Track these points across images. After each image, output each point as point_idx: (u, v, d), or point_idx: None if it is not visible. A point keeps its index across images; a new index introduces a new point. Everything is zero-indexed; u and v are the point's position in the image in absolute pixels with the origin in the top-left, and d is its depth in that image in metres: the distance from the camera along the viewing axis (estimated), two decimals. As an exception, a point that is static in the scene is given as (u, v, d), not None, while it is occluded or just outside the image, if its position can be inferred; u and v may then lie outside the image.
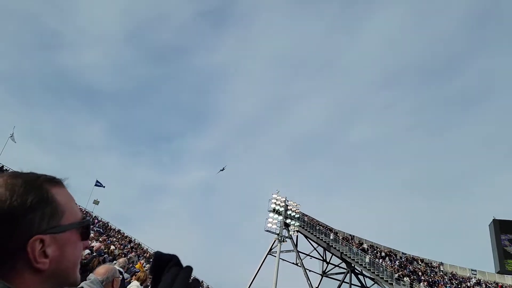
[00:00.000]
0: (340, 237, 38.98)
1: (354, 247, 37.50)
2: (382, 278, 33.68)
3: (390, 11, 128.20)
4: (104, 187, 45.67)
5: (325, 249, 38.32)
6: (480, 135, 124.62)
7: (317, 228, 38.78)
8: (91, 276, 3.10)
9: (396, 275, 33.87)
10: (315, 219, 40.72)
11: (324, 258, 39.31)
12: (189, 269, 0.68)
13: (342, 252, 36.38)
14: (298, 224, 37.77)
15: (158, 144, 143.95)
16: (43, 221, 0.73)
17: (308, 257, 39.06)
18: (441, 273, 39.80)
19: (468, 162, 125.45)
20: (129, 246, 28.95)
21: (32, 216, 0.72)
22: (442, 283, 36.43)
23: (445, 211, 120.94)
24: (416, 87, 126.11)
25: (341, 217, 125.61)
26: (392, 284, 32.97)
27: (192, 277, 0.67)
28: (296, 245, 38.27)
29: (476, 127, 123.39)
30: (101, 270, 3.12)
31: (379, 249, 41.16)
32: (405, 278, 33.84)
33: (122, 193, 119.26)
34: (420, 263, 41.04)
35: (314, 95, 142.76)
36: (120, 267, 6.89)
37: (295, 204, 38.61)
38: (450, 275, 39.62)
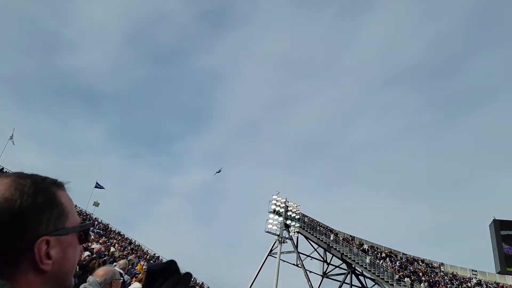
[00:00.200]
0: (341, 238, 38.97)
1: (354, 248, 37.49)
2: (383, 279, 33.66)
3: (390, 11, 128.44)
4: (103, 188, 45.70)
5: (325, 250, 38.31)
6: (480, 135, 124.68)
7: (318, 229, 38.77)
8: (90, 278, 3.09)
9: (397, 276, 33.85)
10: (315, 220, 40.72)
11: (325, 259, 39.29)
12: (189, 276, 0.70)
13: (343, 253, 36.36)
14: (298, 225, 37.77)
15: (158, 146, 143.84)
16: (50, 222, 0.74)
17: (309, 258, 39.07)
18: (442, 273, 39.78)
19: (469, 162, 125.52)
20: (129, 248, 28.94)
21: (41, 217, 0.73)
22: (442, 284, 36.41)
23: (446, 211, 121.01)
24: (416, 87, 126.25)
25: (342, 218, 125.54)
26: (392, 285, 32.95)
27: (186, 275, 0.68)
28: (296, 246, 38.26)
29: (476, 127, 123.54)
30: (100, 272, 3.11)
31: (380, 249, 41.15)
32: (405, 278, 33.83)
33: (122, 195, 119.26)
34: (420, 263, 41.02)
35: (314, 96, 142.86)
36: (121, 269, 6.89)
37: (295, 205, 38.61)
38: (451, 276, 39.61)
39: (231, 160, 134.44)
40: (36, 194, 0.74)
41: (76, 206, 36.81)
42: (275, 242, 37.26)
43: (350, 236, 41.95)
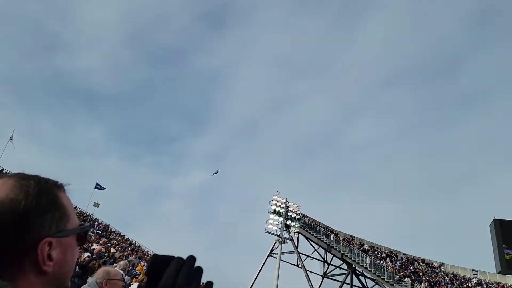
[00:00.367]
0: (341, 238, 38.96)
1: (355, 248, 37.48)
2: (383, 279, 33.65)
3: (391, 10, 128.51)
4: (104, 188, 45.70)
5: (326, 250, 38.29)
6: (481, 135, 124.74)
7: (318, 229, 38.76)
8: (90, 279, 3.08)
9: (397, 276, 33.83)
10: (315, 220, 40.70)
11: (325, 259, 39.27)
12: (193, 258, 0.70)
13: (343, 253, 36.35)
14: (298, 225, 37.75)
15: (158, 146, 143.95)
16: (53, 224, 0.74)
17: (309, 258, 39.06)
18: (442, 273, 39.76)
19: (469, 162, 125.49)
20: (129, 249, 28.93)
21: (44, 218, 0.73)
22: (443, 284, 36.40)
23: (446, 211, 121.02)
24: (416, 87, 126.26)
25: (342, 218, 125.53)
26: (393, 285, 32.93)
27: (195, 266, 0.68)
28: (297, 247, 38.24)
29: (476, 127, 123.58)
30: (97, 272, 3.11)
31: (380, 250, 41.14)
32: (406, 278, 33.82)
33: (122, 196, 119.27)
34: (421, 263, 41.00)
35: (315, 96, 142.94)
36: (121, 269, 6.88)
37: (296, 206, 38.60)
38: (451, 276, 39.59)
39: (231, 160, 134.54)
40: (40, 196, 0.74)
41: (76, 207, 36.83)
42: (276, 242, 37.25)
43: (351, 236, 41.94)
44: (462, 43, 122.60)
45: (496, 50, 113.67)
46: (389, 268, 35.33)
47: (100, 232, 30.98)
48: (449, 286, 36.46)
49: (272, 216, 37.37)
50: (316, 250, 39.01)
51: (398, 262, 38.60)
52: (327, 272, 39.11)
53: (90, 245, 14.92)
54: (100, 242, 19.74)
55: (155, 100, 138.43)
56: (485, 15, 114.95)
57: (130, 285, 7.24)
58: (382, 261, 37.15)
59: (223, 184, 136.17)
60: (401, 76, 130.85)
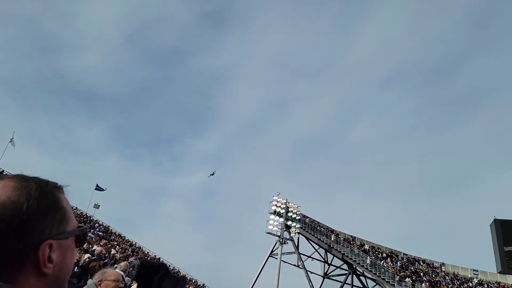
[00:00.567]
0: (341, 239, 38.94)
1: (355, 248, 37.45)
2: (384, 279, 33.62)
3: (391, 11, 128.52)
4: (105, 190, 45.63)
5: (326, 251, 38.26)
6: (480, 134, 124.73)
7: (318, 229, 38.74)
8: (89, 281, 3.11)
9: (397, 277, 33.80)
10: (316, 221, 40.68)
11: (326, 259, 39.24)
12: (184, 280, 0.72)
13: (344, 254, 36.33)
14: (299, 226, 37.73)
15: (159, 147, 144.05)
16: (53, 226, 0.75)
17: (310, 259, 39.03)
18: (443, 273, 39.73)
19: (469, 162, 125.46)
20: (130, 250, 28.93)
21: (46, 220, 0.74)
22: (444, 284, 36.36)
23: (446, 211, 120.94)
24: (416, 88, 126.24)
25: (342, 218, 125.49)
26: (394, 285, 32.90)
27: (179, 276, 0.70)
28: (297, 247, 38.22)
29: (477, 126, 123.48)
30: (96, 273, 3.14)
31: (381, 250, 41.11)
32: (406, 279, 33.78)
33: (123, 197, 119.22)
34: (421, 263, 40.97)
35: (315, 96, 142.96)
36: (122, 271, 6.89)
37: (296, 206, 38.59)
38: (452, 276, 39.55)
39: (231, 161, 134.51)
40: (41, 198, 0.75)
41: (76, 208, 36.81)
42: (276, 243, 37.23)
43: (351, 236, 41.91)
44: (462, 43, 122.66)
45: (496, 50, 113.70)
46: (389, 268, 35.30)
47: (100, 233, 30.95)
48: (450, 286, 36.42)
49: (272, 216, 37.37)
50: (316, 250, 38.99)
51: (398, 262, 38.57)
52: (327, 272, 39.08)
53: (90, 246, 14.92)
54: (101, 243, 19.72)
55: (156, 100, 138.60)
56: (485, 15, 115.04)
57: (130, 286, 7.24)
58: (382, 261, 37.12)
59: (224, 184, 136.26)
60: (401, 76, 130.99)
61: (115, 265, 10.89)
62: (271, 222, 37.27)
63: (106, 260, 12.61)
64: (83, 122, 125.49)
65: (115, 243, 28.42)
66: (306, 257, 38.63)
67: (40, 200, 0.74)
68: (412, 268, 38.03)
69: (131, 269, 13.11)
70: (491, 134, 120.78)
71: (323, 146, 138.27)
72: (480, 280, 39.46)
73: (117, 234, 37.60)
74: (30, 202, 0.72)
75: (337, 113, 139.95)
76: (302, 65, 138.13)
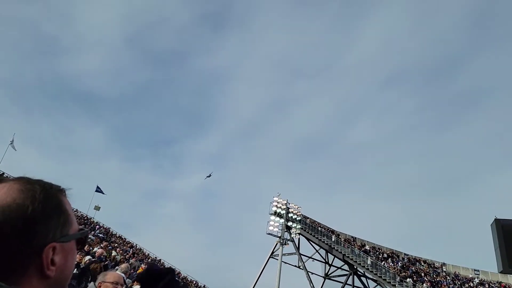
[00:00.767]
0: (342, 239, 38.91)
1: (356, 248, 37.43)
2: (385, 279, 33.59)
3: (391, 11, 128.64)
4: (104, 194, 45.62)
5: (327, 251, 38.25)
6: (481, 134, 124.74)
7: (319, 230, 38.73)
8: (91, 284, 3.14)
9: (398, 277, 33.77)
10: (316, 221, 40.68)
11: (327, 260, 39.22)
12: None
13: (344, 254, 36.31)
14: (299, 226, 37.73)
15: (159, 148, 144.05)
16: (57, 229, 0.75)
17: (311, 259, 39.01)
18: (444, 273, 39.69)
19: (470, 162, 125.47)
20: (130, 252, 28.93)
21: (50, 223, 0.74)
22: (445, 284, 36.32)
23: (447, 211, 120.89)
24: (417, 87, 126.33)
25: (343, 219, 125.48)
26: (394, 285, 32.87)
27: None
28: (298, 248, 38.20)
29: (477, 126, 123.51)
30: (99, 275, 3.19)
31: (381, 250, 41.09)
32: (407, 279, 33.75)
33: (123, 198, 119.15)
34: (422, 263, 40.94)
35: (315, 96, 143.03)
36: (122, 272, 6.89)
37: (297, 207, 38.60)
38: (453, 276, 39.51)
39: (231, 161, 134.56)
40: (46, 201, 0.75)
41: (77, 210, 36.80)
42: (277, 244, 37.23)
43: (352, 237, 41.90)
44: (462, 43, 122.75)
45: (496, 49, 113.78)
46: (390, 268, 35.28)
47: (101, 235, 30.95)
48: (451, 286, 36.38)
49: (273, 217, 37.38)
50: (317, 251, 38.98)
51: (399, 263, 38.55)
52: (328, 273, 39.05)
53: (91, 248, 14.92)
54: (101, 245, 19.71)
55: (155, 101, 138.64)
56: (485, 14, 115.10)
57: (131, 288, 7.23)
58: (383, 261, 37.11)
59: (224, 185, 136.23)
60: (401, 76, 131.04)
61: (116, 267, 10.89)
62: (271, 223, 37.27)
63: (106, 262, 12.60)
64: (83, 123, 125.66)
65: (116, 245, 28.41)
66: (307, 257, 38.63)
67: (45, 203, 0.74)
68: (413, 268, 37.99)
69: (131, 271, 13.12)
70: (491, 134, 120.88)
71: (323, 146, 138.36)
72: (481, 280, 39.40)
73: (117, 236, 37.62)
74: (35, 205, 0.72)
75: (337, 113, 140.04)
76: (302, 65, 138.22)
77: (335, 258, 37.74)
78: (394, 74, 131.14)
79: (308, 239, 38.49)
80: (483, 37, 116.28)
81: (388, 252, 41.00)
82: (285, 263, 37.01)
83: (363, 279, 37.37)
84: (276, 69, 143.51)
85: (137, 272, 15.32)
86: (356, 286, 37.07)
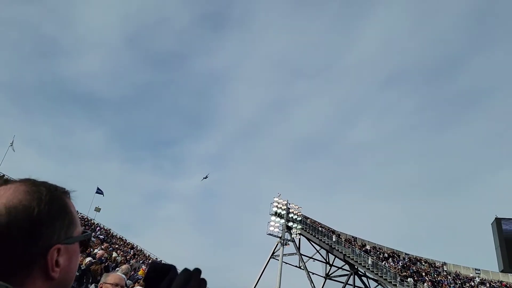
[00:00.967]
0: (343, 239, 38.90)
1: (356, 248, 37.42)
2: (386, 279, 33.58)
3: (391, 10, 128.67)
4: (103, 195, 45.65)
5: (327, 252, 38.23)
6: (482, 133, 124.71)
7: (319, 230, 38.71)
8: (92, 286, 3.16)
9: (399, 277, 33.76)
10: (317, 222, 40.66)
11: (327, 260, 39.20)
12: (199, 271, 0.73)
13: (345, 254, 36.29)
14: (300, 227, 37.72)
15: (159, 149, 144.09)
16: (62, 231, 0.76)
17: (311, 259, 39.00)
18: (445, 273, 39.68)
19: (470, 161, 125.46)
20: (131, 253, 28.91)
21: (55, 225, 0.75)
22: (446, 283, 36.30)
23: (447, 211, 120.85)
24: (417, 87, 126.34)
25: (343, 219, 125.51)
26: (395, 285, 32.86)
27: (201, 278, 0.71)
28: (298, 248, 38.19)
29: (477, 126, 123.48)
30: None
31: (382, 250, 41.07)
32: (408, 279, 33.74)
33: (124, 200, 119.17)
34: (423, 263, 40.92)
35: (315, 96, 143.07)
36: (123, 273, 6.89)
37: (297, 207, 38.58)
38: (454, 275, 39.49)
39: (232, 162, 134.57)
40: (51, 203, 0.76)
41: (77, 212, 36.78)
42: (277, 244, 37.22)
43: (352, 237, 41.89)
44: (461, 43, 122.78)
45: (496, 49, 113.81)
46: (391, 268, 35.27)
47: (101, 236, 30.93)
48: (451, 285, 36.36)
49: (273, 218, 37.38)
50: (318, 251, 38.97)
51: (400, 262, 38.53)
52: (329, 273, 39.03)
53: (92, 249, 14.91)
54: (102, 246, 19.69)
55: (156, 102, 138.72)
56: (484, 14, 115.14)
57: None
58: (384, 261, 37.09)
59: (224, 186, 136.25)
60: (401, 76, 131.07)
61: (117, 268, 10.89)
62: (272, 223, 37.27)
63: (107, 264, 12.60)
64: (83, 125, 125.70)
65: (117, 246, 28.39)
66: (308, 258, 38.63)
67: (51, 205, 0.75)
68: (413, 268, 37.98)
69: (132, 272, 13.11)
70: (491, 133, 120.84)
71: (323, 146, 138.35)
72: (482, 279, 39.38)
73: (118, 237, 37.60)
74: (41, 206, 0.73)
75: (337, 113, 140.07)
76: (302, 65, 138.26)
77: (336, 258, 37.73)
78: (394, 74, 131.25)
79: (308, 239, 38.47)
80: (483, 37, 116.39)
81: (388, 252, 40.99)
82: (286, 263, 37.04)
83: (364, 279, 37.35)
84: (276, 69, 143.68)
85: (138, 273, 15.32)
86: (357, 286, 37.05)
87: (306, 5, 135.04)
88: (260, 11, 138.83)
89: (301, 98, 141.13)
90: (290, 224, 37.58)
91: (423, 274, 37.10)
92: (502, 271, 40.54)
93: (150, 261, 33.46)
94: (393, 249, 41.99)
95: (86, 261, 10.30)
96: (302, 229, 37.86)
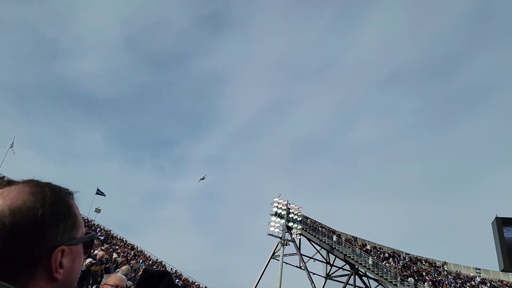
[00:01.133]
0: (343, 239, 38.89)
1: (357, 248, 37.41)
2: (386, 279, 33.57)
3: (390, 10, 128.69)
4: (104, 196, 45.64)
5: (328, 252, 38.22)
6: (482, 132, 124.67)
7: (320, 230, 38.70)
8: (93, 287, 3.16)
9: (399, 277, 33.75)
10: (317, 222, 40.66)
11: (328, 260, 39.19)
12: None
13: (346, 254, 36.28)
14: (300, 227, 37.70)
15: (159, 150, 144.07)
16: (66, 232, 0.76)
17: (312, 260, 38.99)
18: (445, 272, 39.66)
19: (470, 160, 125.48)
20: (132, 254, 28.91)
21: (59, 226, 0.75)
22: (446, 283, 36.29)
23: (448, 210, 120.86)
24: (417, 87, 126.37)
25: (344, 219, 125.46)
26: (396, 285, 32.85)
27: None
28: (299, 248, 38.18)
29: (477, 125, 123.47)
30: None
31: (382, 250, 41.06)
32: (409, 278, 33.73)
33: (124, 201, 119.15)
34: (423, 263, 40.91)
35: (315, 96, 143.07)
36: (123, 274, 6.89)
37: (297, 207, 38.57)
38: (455, 275, 39.47)
39: (232, 163, 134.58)
40: (55, 204, 0.76)
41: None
42: (278, 244, 37.21)
43: (353, 237, 41.87)
44: (461, 42, 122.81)
45: (496, 48, 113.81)
46: (392, 268, 35.26)
47: (102, 237, 30.92)
48: (452, 285, 36.35)
49: (273, 218, 37.37)
50: (318, 251, 38.95)
51: (400, 262, 38.52)
52: (330, 273, 39.02)
53: (92, 250, 14.91)
54: (102, 247, 19.68)
55: (156, 103, 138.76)
56: (484, 13, 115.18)
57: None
58: (384, 261, 37.08)
59: (224, 186, 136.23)
60: (401, 76, 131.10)
61: (117, 269, 10.89)
62: (272, 223, 37.26)
63: (108, 265, 12.60)
64: (83, 126, 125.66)
65: (117, 247, 28.39)
66: (308, 258, 38.62)
67: (55, 206, 0.75)
68: (414, 267, 37.98)
69: (133, 274, 13.09)
70: (492, 132, 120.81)
71: (323, 146, 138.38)
72: (482, 278, 39.38)
73: (118, 238, 37.59)
74: (45, 208, 0.73)
75: (337, 113, 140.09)
76: (302, 65, 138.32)
77: (336, 258, 37.72)
78: (394, 74, 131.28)
79: (309, 240, 38.46)
80: (482, 36, 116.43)
81: (389, 251, 40.98)
82: (287, 263, 37.04)
83: (365, 279, 37.34)
84: (276, 70, 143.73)
85: (139, 274, 15.31)
86: (357, 286, 37.03)
87: (306, 5, 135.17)
88: (260, 11, 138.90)
89: (301, 98, 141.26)
90: (290, 224, 37.57)
91: (424, 273, 37.09)
92: (502, 270, 40.51)
93: (150, 261, 33.47)
94: (394, 249, 41.97)
95: (86, 262, 10.30)
96: (303, 229, 37.85)
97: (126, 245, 35.18)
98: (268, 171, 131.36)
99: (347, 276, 37.19)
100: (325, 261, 39.33)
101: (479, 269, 41.12)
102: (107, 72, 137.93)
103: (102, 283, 3.14)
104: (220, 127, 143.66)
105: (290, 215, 37.77)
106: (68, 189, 0.83)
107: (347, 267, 37.34)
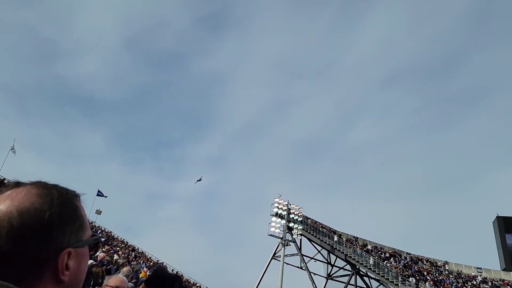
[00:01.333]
0: (344, 239, 38.87)
1: (358, 248, 37.39)
2: (388, 279, 33.54)
3: (390, 11, 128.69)
4: (106, 197, 45.65)
5: (329, 252, 38.20)
6: (482, 132, 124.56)
7: (321, 230, 38.69)
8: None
9: (401, 277, 33.72)
10: (318, 222, 40.64)
11: (329, 260, 39.18)
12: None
13: (347, 254, 36.26)
14: (301, 227, 37.69)
15: (159, 151, 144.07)
16: (73, 234, 0.77)
17: (313, 260, 38.97)
18: (446, 272, 39.65)
19: (471, 160, 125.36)
20: (132, 255, 28.91)
21: (66, 228, 0.75)
22: (447, 282, 36.27)
23: (449, 210, 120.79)
24: (417, 87, 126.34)
25: (344, 219, 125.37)
26: (397, 285, 32.83)
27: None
28: (300, 249, 38.16)
29: (477, 124, 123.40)
30: None
31: (383, 250, 41.03)
32: (410, 278, 33.70)
33: (124, 202, 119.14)
34: (425, 262, 40.88)
35: (315, 97, 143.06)
36: (124, 276, 6.89)
37: (298, 208, 38.55)
38: (456, 274, 39.45)
39: (232, 163, 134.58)
40: (63, 206, 0.77)
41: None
42: (279, 245, 37.18)
43: (354, 237, 41.85)
44: (461, 42, 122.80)
45: (496, 48, 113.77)
46: (393, 268, 35.23)
47: (103, 239, 30.91)
48: (453, 284, 36.33)
49: (274, 218, 37.34)
50: (319, 251, 38.94)
51: (402, 262, 38.50)
52: (331, 273, 39.01)
53: (93, 252, 14.90)
54: (103, 249, 19.68)
55: (156, 104, 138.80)
56: (484, 13, 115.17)
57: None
58: (385, 261, 37.05)
59: (225, 187, 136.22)
60: (401, 76, 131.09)
61: (118, 271, 10.89)
62: (273, 224, 37.24)
63: (109, 266, 12.60)
64: (83, 127, 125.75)
65: (118, 248, 28.38)
66: (309, 258, 38.60)
67: (62, 208, 0.76)
68: (415, 267, 37.95)
69: (133, 274, 13.09)
70: (492, 132, 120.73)
71: (323, 146, 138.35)
72: (484, 278, 39.36)
73: (119, 239, 37.60)
74: (52, 210, 0.73)
75: (337, 114, 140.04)
76: (302, 65, 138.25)
77: (337, 258, 37.71)
78: (393, 74, 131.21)
79: (309, 240, 38.45)
80: (482, 36, 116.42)
81: (390, 251, 40.95)
82: (287, 264, 37.01)
83: (366, 279, 37.31)
84: (276, 70, 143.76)
85: (139, 275, 15.32)
86: (358, 286, 37.00)
87: (306, 5, 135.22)
88: (260, 11, 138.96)
89: (301, 98, 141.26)
90: (291, 224, 37.56)
91: (425, 273, 37.06)
92: (504, 270, 40.49)
93: (151, 263, 33.47)
94: (395, 249, 41.95)
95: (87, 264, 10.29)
96: (303, 229, 37.83)
97: (127, 246, 35.18)
98: (268, 171, 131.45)
99: (348, 276, 37.17)
100: (326, 261, 39.32)
101: (480, 268, 41.09)
102: (107, 72, 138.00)
103: (103, 284, 3.16)
104: (220, 127, 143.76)
105: (291, 216, 37.76)
106: (75, 191, 0.84)
107: (348, 267, 37.32)
